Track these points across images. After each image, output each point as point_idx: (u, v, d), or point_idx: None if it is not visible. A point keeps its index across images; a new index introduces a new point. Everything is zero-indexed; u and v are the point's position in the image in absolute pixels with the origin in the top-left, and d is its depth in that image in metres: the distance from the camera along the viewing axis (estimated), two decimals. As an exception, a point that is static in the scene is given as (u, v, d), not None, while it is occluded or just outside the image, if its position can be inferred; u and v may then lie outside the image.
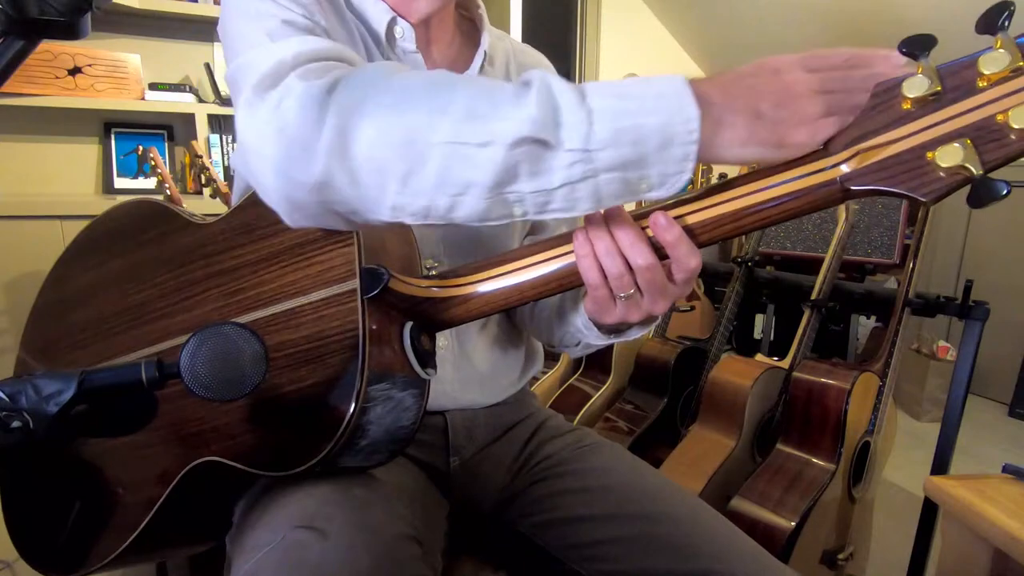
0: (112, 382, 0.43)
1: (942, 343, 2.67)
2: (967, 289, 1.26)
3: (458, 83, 0.45)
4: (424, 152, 0.44)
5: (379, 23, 0.67)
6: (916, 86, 0.43)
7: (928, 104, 0.43)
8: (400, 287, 0.54)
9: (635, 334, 0.64)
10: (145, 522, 0.54)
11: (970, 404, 1.32)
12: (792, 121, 0.45)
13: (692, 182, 2.14)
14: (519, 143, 0.42)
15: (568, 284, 0.54)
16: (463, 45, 0.75)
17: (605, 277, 0.51)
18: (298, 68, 0.47)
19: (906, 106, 0.44)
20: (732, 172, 2.40)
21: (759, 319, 2.25)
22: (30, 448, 0.40)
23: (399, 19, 0.67)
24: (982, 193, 0.41)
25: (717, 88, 0.45)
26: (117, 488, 0.59)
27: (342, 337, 0.50)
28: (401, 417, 0.52)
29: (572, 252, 0.52)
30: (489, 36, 0.75)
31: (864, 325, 2.54)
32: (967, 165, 0.41)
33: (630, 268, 0.50)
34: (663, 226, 0.48)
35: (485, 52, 0.73)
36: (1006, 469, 0.96)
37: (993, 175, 0.42)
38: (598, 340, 0.66)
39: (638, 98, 0.43)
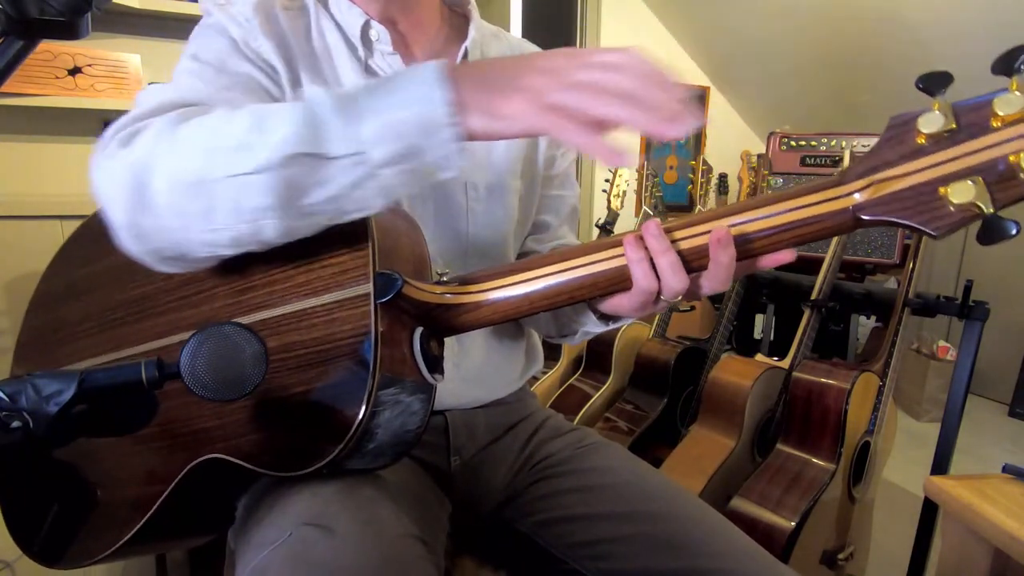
0: (112, 382, 0.43)
1: (942, 343, 2.67)
2: (967, 289, 1.26)
3: (236, 116, 0.47)
4: (212, 189, 0.46)
5: (354, 27, 0.67)
6: (932, 122, 0.44)
7: (942, 140, 0.44)
8: (413, 293, 0.53)
9: (629, 320, 0.66)
10: (148, 516, 0.54)
11: (970, 404, 1.32)
12: (508, 87, 0.45)
13: (692, 182, 2.13)
14: (287, 162, 0.44)
15: (580, 296, 0.54)
16: (449, 41, 0.74)
17: (659, 288, 0.52)
18: (120, 132, 0.52)
19: (921, 141, 0.45)
20: (732, 172, 2.39)
21: (759, 319, 2.25)
22: (31, 446, 0.40)
23: (372, 22, 0.67)
24: (992, 231, 0.42)
25: (470, 68, 0.47)
26: (122, 480, 0.59)
27: (354, 341, 0.50)
28: (408, 421, 0.52)
29: (583, 267, 0.53)
30: (478, 33, 0.74)
31: (864, 325, 2.54)
32: (978, 203, 0.42)
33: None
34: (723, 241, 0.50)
35: (467, 48, 0.72)
36: (1006, 469, 0.96)
37: (1003, 214, 0.43)
38: (596, 327, 0.67)
39: (396, 91, 0.45)
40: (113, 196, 0.49)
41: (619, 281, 0.53)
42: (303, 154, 0.44)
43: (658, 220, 0.52)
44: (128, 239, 0.51)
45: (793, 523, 1.18)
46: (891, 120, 0.46)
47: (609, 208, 1.94)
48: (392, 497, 0.56)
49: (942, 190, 0.44)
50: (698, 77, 3.56)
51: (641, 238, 0.51)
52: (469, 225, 0.72)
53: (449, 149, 0.45)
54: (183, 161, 0.47)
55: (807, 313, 1.52)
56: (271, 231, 0.48)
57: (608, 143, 0.44)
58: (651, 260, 0.51)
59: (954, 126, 0.43)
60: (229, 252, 0.51)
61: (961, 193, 0.43)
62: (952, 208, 0.43)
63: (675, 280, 0.51)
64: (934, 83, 0.44)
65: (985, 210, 0.42)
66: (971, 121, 0.43)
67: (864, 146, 1.85)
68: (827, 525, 1.28)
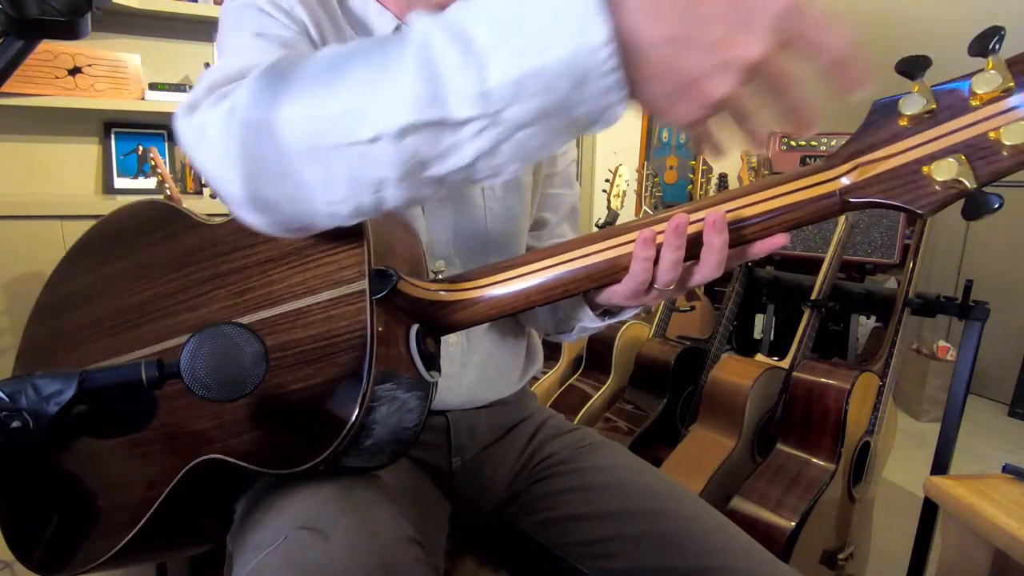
0: (112, 382, 0.43)
1: (942, 343, 2.67)
2: (967, 289, 1.26)
3: (342, 72, 0.41)
4: (327, 158, 0.41)
5: (384, 31, 0.66)
6: (912, 104, 0.45)
7: (923, 121, 0.45)
8: (408, 289, 0.54)
9: (630, 313, 0.66)
10: (145, 519, 0.55)
11: (970, 404, 1.32)
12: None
13: (692, 182, 2.14)
14: (406, 132, 0.38)
15: (574, 289, 0.54)
16: None
17: (653, 279, 0.52)
18: (212, 94, 0.47)
19: (903, 123, 0.46)
20: (732, 172, 2.40)
21: (759, 319, 2.25)
22: (30, 447, 0.40)
23: (404, 26, 0.66)
24: (976, 206, 0.43)
25: None
26: (117, 485, 0.59)
27: (350, 337, 0.51)
28: (405, 418, 0.53)
29: (577, 259, 0.53)
30: None
31: (864, 325, 2.54)
32: (961, 179, 0.43)
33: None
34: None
35: None
36: (1006, 469, 0.96)
37: (986, 189, 0.44)
38: (593, 323, 0.67)
39: (532, 20, 0.35)
40: (224, 170, 0.44)
41: (614, 272, 0.53)
42: (424, 123, 0.37)
43: (687, 217, 0.50)
44: (248, 213, 0.46)
45: (793, 523, 1.18)
46: (873, 104, 0.47)
47: (609, 208, 1.94)
48: (390, 499, 0.56)
49: (925, 169, 0.45)
50: (698, 77, 3.55)
51: (651, 237, 0.50)
52: (488, 222, 0.73)
53: (609, 99, 0.36)
54: (291, 128, 0.41)
55: (807, 313, 1.52)
56: (394, 201, 0.43)
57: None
58: (656, 257, 0.51)
59: (934, 107, 0.44)
60: (351, 222, 0.46)
61: (944, 171, 0.44)
62: (937, 186, 0.44)
63: (669, 273, 0.51)
64: (913, 66, 0.45)
65: (969, 186, 0.43)
66: (951, 101, 0.44)
67: (864, 146, 1.85)
68: (827, 525, 1.28)
